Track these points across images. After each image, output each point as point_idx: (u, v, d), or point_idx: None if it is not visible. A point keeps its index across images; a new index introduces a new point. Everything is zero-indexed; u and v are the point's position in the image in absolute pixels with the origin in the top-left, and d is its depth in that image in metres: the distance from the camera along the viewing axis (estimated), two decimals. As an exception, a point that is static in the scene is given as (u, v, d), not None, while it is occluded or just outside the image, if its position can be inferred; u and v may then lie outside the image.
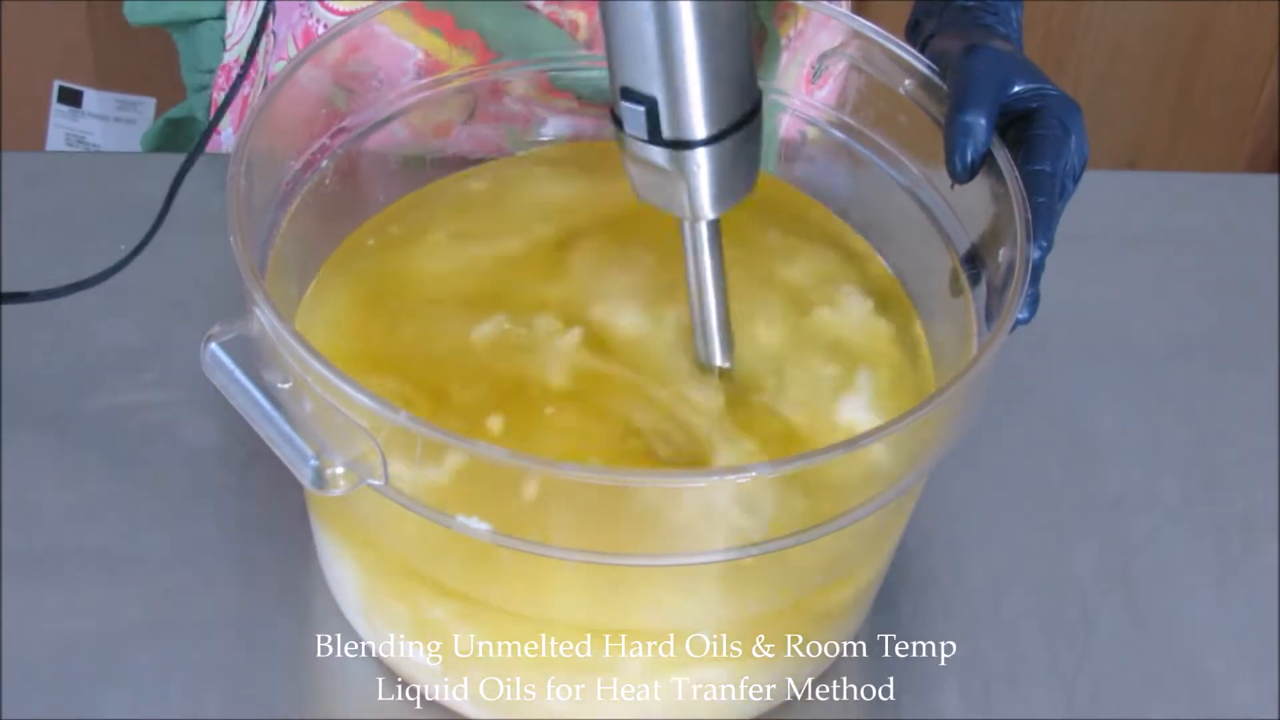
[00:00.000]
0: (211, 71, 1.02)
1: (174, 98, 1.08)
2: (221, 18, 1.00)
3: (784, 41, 0.85)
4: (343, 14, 0.90)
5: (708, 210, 0.63)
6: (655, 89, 0.60)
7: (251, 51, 0.82)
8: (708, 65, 0.59)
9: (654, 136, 0.61)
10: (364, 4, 0.89)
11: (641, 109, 0.60)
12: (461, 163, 0.79)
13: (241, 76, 0.81)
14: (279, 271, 0.68)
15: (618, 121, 0.62)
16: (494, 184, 0.78)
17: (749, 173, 0.64)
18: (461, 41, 0.81)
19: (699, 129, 0.61)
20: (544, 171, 0.79)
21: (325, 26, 0.90)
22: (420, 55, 0.78)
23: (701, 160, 0.61)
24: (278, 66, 0.94)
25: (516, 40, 0.80)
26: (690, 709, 0.67)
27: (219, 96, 1.01)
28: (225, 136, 1.01)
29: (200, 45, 1.02)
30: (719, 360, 0.68)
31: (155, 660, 0.70)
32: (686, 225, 0.65)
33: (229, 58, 0.99)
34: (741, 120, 0.62)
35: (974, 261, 0.70)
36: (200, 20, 1.01)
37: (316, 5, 0.91)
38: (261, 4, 0.96)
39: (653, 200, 0.64)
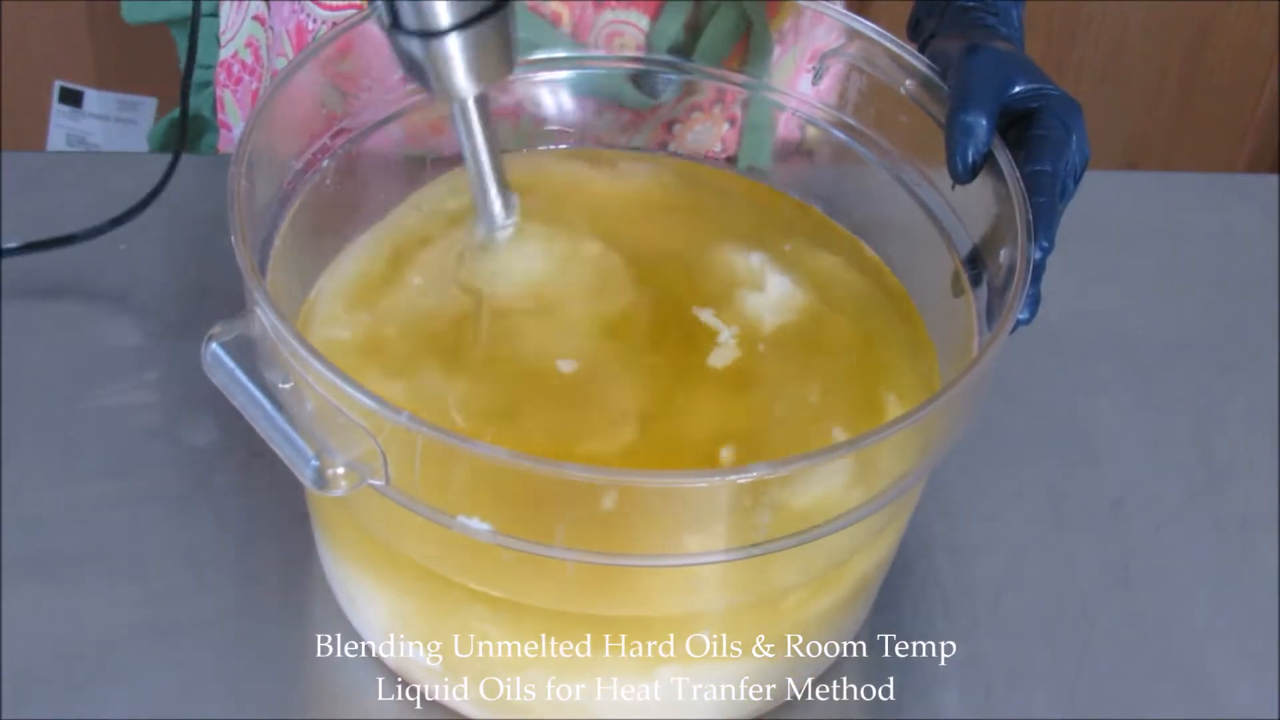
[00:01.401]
0: (210, 68, 1.02)
1: (175, 97, 1.08)
2: (216, 14, 1.00)
3: (776, 37, 0.85)
4: (333, 8, 0.90)
5: (461, 92, 0.66)
6: None
7: (193, 45, 0.84)
8: None
9: (397, 25, 0.64)
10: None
11: (385, 3, 0.64)
12: (461, 162, 0.79)
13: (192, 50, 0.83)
14: (280, 271, 0.68)
15: (377, 19, 0.65)
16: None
17: (504, 58, 0.66)
18: None
19: (442, 18, 0.63)
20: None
21: (315, 22, 0.90)
22: None
23: (451, 48, 0.64)
24: (277, 63, 0.95)
25: None
26: (690, 709, 0.67)
27: (222, 94, 1.01)
28: (238, 134, 1.01)
29: (198, 42, 1.02)
30: (501, 218, 0.71)
31: (155, 660, 0.70)
32: (454, 109, 0.67)
33: (225, 54, 1.00)
34: (488, 10, 0.64)
35: (975, 262, 0.70)
36: None
37: (308, 2, 0.91)
38: (252, 1, 0.97)
39: (411, 79, 0.67)
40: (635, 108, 0.85)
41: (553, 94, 0.81)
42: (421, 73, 0.65)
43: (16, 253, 0.83)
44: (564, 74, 0.81)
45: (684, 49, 0.84)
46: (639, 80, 0.83)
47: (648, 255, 0.74)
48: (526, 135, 0.81)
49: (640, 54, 0.83)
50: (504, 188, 0.71)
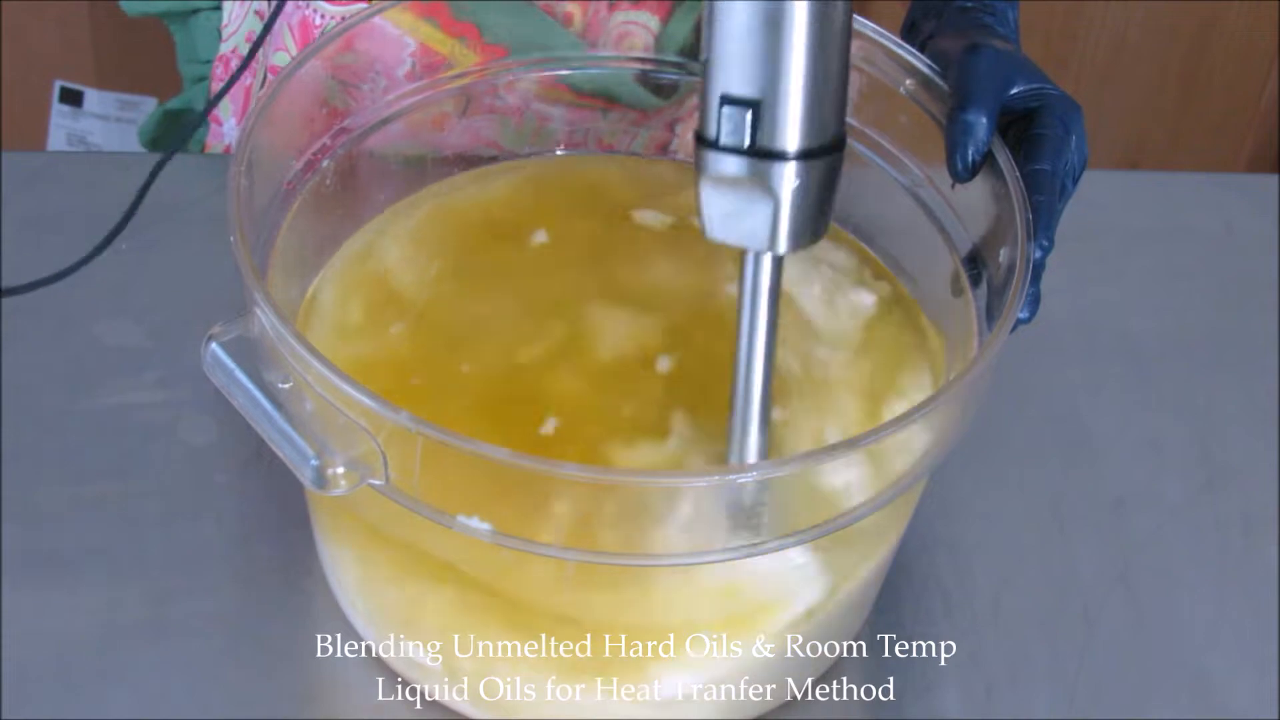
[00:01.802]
0: (208, 63, 1.02)
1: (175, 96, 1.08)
2: (217, 8, 1.00)
3: None
4: (342, 3, 0.90)
5: (784, 240, 0.60)
6: (760, 91, 0.58)
7: (258, 44, 0.82)
8: (815, 69, 0.58)
9: (753, 144, 0.59)
10: None
11: (746, 111, 0.58)
12: (462, 162, 0.79)
13: (243, 68, 0.82)
14: (280, 271, 0.68)
15: (703, 141, 0.60)
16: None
17: (824, 215, 0.61)
18: (458, 33, 0.81)
19: (794, 139, 0.59)
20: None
21: (322, 18, 0.90)
22: (415, 46, 0.79)
23: (791, 176, 0.59)
24: (276, 57, 0.94)
25: (511, 33, 0.81)
26: (690, 709, 0.67)
27: (217, 88, 1.01)
28: (228, 129, 1.01)
29: (196, 36, 1.02)
30: (753, 457, 0.64)
31: (155, 660, 0.70)
32: (749, 263, 0.62)
33: (225, 49, 1.00)
34: (832, 144, 0.60)
35: (975, 261, 0.70)
36: (196, 11, 1.01)
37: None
38: None
39: (724, 234, 0.61)
40: (641, 108, 0.85)
41: (558, 92, 0.82)
42: (740, 219, 0.60)
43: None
44: (570, 73, 0.81)
45: (695, 50, 0.84)
46: (645, 80, 0.83)
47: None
48: (530, 134, 0.81)
49: (647, 54, 0.83)
50: (767, 409, 0.63)
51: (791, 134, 0.58)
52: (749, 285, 0.62)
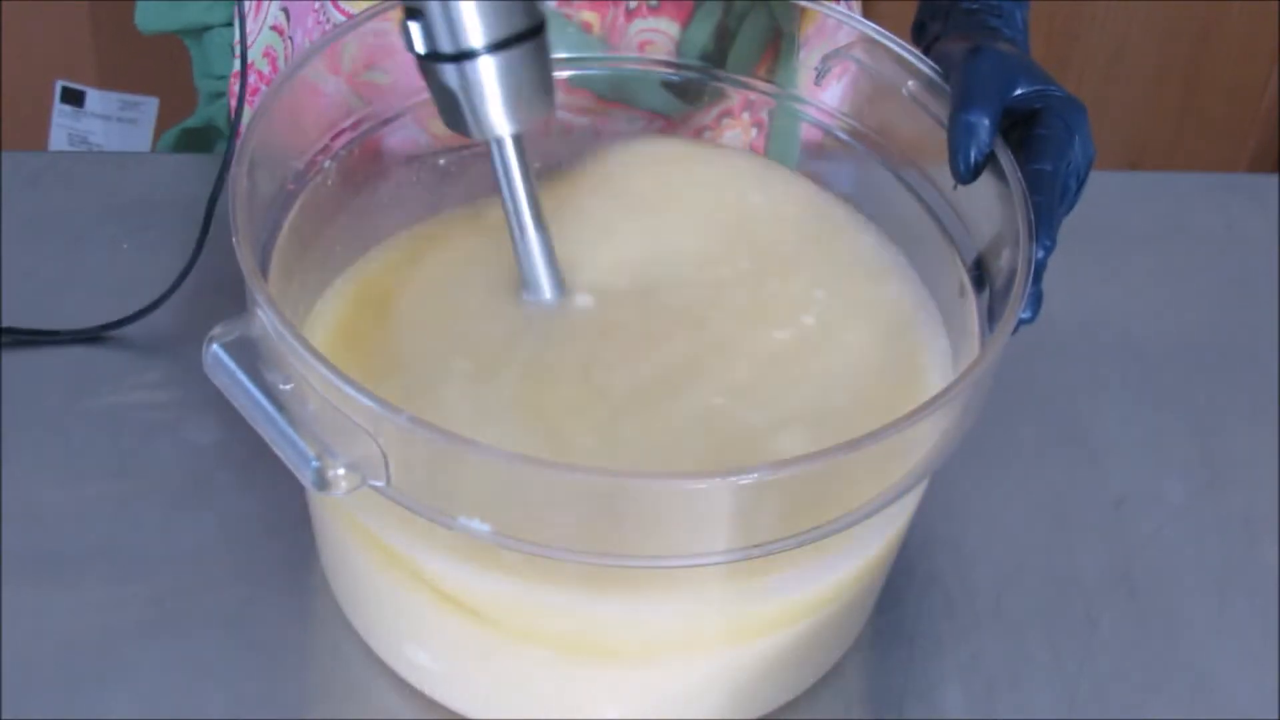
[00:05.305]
0: (223, 78, 1.02)
1: (176, 98, 1.08)
2: (230, 24, 1.00)
3: (800, 41, 0.84)
4: (351, 14, 0.89)
5: (499, 125, 0.65)
6: (423, 3, 0.63)
7: (244, 57, 0.82)
8: None
9: (435, 50, 0.64)
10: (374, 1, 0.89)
11: (418, 22, 0.63)
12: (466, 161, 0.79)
13: (243, 84, 0.82)
14: (281, 272, 0.68)
15: (409, 46, 0.65)
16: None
17: (543, 92, 0.66)
18: None
19: (475, 38, 0.63)
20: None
21: (333, 24, 0.90)
22: None
23: (482, 69, 0.63)
24: (293, 65, 0.94)
25: None
26: (691, 709, 0.67)
27: (234, 104, 1.00)
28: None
29: (211, 52, 1.02)
30: (548, 294, 0.70)
31: (155, 660, 0.70)
32: (494, 148, 0.66)
33: (240, 64, 0.99)
34: (523, 34, 0.64)
35: (978, 262, 0.70)
36: (209, 27, 1.01)
37: (329, 6, 0.91)
38: (268, 10, 0.96)
39: (454, 125, 0.66)
40: (665, 113, 0.84)
41: (584, 100, 0.81)
42: (457, 109, 0.65)
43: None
44: (596, 79, 0.81)
45: (715, 56, 0.83)
46: (671, 85, 0.83)
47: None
48: (556, 142, 0.81)
49: (671, 59, 0.83)
50: (550, 253, 0.69)
51: (472, 34, 0.63)
52: (497, 164, 0.67)
